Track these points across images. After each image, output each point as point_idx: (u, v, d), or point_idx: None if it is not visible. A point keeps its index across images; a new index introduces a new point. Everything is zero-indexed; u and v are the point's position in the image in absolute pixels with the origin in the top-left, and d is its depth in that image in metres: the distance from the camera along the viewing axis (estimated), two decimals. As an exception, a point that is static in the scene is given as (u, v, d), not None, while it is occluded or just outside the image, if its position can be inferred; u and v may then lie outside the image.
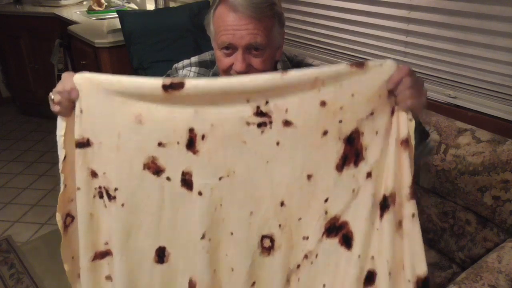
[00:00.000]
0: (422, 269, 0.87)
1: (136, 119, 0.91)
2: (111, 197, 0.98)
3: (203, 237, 0.98)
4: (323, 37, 2.13)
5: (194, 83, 0.87)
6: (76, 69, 3.17)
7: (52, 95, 0.95)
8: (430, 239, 1.46)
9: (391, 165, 0.88)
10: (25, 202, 2.71)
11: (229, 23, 1.02)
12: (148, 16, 2.50)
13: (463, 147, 1.37)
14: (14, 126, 3.76)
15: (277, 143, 0.90)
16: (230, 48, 1.04)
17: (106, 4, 3.27)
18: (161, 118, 0.90)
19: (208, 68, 1.22)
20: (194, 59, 1.25)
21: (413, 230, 0.89)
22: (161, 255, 1.02)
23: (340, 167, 0.90)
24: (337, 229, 0.94)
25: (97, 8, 3.21)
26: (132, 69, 2.35)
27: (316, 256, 0.97)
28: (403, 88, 0.86)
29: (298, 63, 1.20)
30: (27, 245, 2.32)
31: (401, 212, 0.89)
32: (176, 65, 1.27)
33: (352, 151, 0.89)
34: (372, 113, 0.87)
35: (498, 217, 1.29)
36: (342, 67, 0.86)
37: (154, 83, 0.88)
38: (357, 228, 0.92)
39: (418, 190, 1.51)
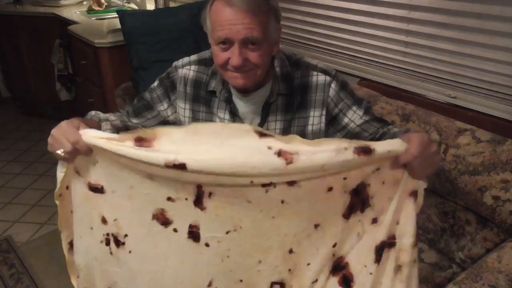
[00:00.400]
0: None
1: (147, 176, 0.92)
2: (119, 243, 1.01)
3: (209, 285, 0.99)
4: (323, 37, 2.13)
5: (196, 165, 0.85)
6: (76, 69, 3.17)
7: (59, 152, 0.95)
8: (430, 239, 1.46)
9: (395, 212, 0.90)
10: (25, 202, 2.71)
11: (225, 18, 1.02)
12: (148, 16, 2.50)
13: (463, 147, 1.37)
14: (14, 126, 3.76)
15: (282, 201, 0.90)
16: (226, 43, 1.05)
17: (106, 4, 3.27)
18: (171, 176, 0.90)
19: (207, 66, 1.22)
20: (193, 57, 1.26)
21: (413, 274, 0.93)
22: None
23: (347, 215, 0.93)
24: (340, 268, 0.96)
25: (97, 8, 3.21)
26: (132, 69, 2.35)
27: None
28: (413, 167, 0.88)
29: (296, 62, 1.20)
30: (27, 245, 2.32)
31: (402, 258, 0.92)
32: (176, 63, 1.27)
33: (358, 200, 0.91)
34: (378, 168, 0.89)
35: (498, 217, 1.29)
36: (349, 155, 0.83)
37: (157, 160, 0.85)
38: (356, 271, 0.95)
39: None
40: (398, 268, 0.93)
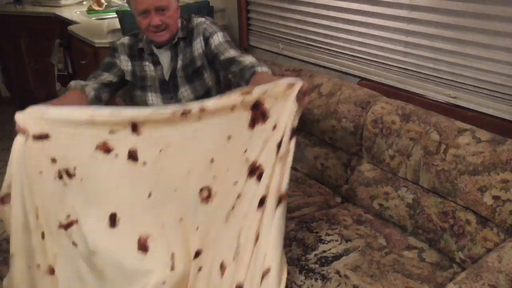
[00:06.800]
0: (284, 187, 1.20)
1: (90, 118, 1.23)
2: (71, 175, 1.27)
3: (149, 195, 1.26)
4: (323, 37, 2.14)
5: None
6: (76, 69, 3.17)
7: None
8: (430, 239, 1.47)
9: (287, 115, 1.19)
10: (25, 202, 2.70)
11: None
12: (148, 16, 2.50)
13: (463, 147, 1.37)
14: (14, 126, 3.75)
15: (199, 118, 1.21)
16: (146, 13, 1.51)
17: (106, 4, 3.27)
18: (108, 117, 1.23)
19: (137, 37, 1.68)
20: (127, 35, 1.73)
21: (289, 148, 1.20)
22: (112, 220, 1.27)
23: (251, 126, 1.21)
24: (255, 170, 1.22)
25: (97, 8, 3.21)
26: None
27: (241, 195, 1.25)
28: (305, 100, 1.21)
29: (188, 19, 1.67)
30: (27, 245, 2.31)
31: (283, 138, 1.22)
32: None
33: (258, 113, 1.20)
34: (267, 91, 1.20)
35: (498, 217, 1.29)
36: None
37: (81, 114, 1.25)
38: (267, 167, 1.21)
39: (418, 190, 1.51)
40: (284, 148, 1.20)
